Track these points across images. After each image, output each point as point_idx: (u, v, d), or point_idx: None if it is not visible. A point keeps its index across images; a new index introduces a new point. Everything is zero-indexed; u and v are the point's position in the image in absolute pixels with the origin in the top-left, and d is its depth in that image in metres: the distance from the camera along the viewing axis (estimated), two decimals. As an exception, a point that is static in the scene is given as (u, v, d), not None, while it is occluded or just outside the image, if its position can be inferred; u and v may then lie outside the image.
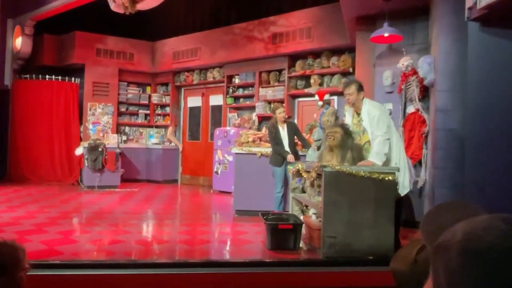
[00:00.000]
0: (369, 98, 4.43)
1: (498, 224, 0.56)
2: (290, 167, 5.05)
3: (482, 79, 3.54)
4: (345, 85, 4.16)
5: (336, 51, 7.66)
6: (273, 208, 5.36)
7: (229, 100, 9.35)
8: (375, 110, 3.91)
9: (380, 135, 3.82)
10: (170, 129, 10.25)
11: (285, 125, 5.64)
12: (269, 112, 8.63)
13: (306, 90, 7.94)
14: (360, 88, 4.00)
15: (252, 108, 8.93)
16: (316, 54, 7.95)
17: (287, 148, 5.53)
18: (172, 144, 10.27)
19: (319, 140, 5.44)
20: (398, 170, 3.79)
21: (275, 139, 5.58)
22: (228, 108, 9.45)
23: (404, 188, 3.98)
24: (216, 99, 9.86)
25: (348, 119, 4.21)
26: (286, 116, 5.72)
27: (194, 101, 10.44)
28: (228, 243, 4.64)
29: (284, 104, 6.06)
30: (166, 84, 10.74)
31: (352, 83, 4.07)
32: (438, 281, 0.58)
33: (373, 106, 3.98)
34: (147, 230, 5.29)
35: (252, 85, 8.99)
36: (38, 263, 2.85)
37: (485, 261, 0.53)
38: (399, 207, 3.90)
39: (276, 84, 8.55)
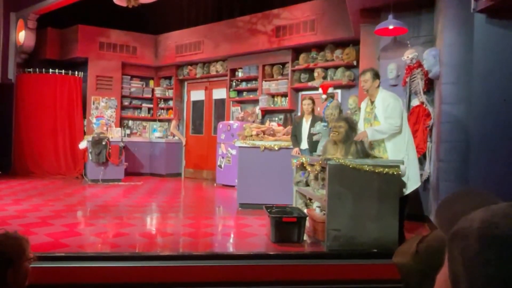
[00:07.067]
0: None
1: None
2: (293, 161, 5.04)
3: (488, 71, 3.51)
4: (362, 72, 4.24)
5: (340, 44, 7.62)
6: (278, 201, 5.26)
7: (232, 94, 9.33)
8: (390, 99, 3.98)
9: (393, 123, 3.89)
10: (173, 122, 10.24)
11: (310, 118, 5.56)
12: (272, 105, 8.63)
13: (309, 84, 7.91)
14: (376, 76, 4.08)
15: (255, 102, 8.91)
16: (320, 47, 7.91)
17: (304, 140, 5.48)
18: (176, 137, 10.28)
19: (319, 133, 5.37)
20: (403, 163, 3.77)
21: (293, 130, 5.64)
22: (231, 102, 9.44)
23: (414, 183, 3.97)
24: (219, 93, 9.85)
25: (363, 111, 4.26)
26: (311, 109, 5.60)
27: (197, 94, 10.43)
28: (232, 236, 4.64)
29: (310, 97, 5.83)
30: (169, 78, 10.72)
31: (368, 70, 4.14)
32: (454, 269, 0.57)
33: (388, 95, 4.05)
34: (151, 223, 5.31)
35: (255, 79, 8.96)
36: (43, 256, 2.87)
37: (504, 248, 0.52)
38: (404, 201, 3.90)
39: (280, 77, 8.52)
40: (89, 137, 8.65)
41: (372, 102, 4.13)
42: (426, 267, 1.01)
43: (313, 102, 5.61)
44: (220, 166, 8.55)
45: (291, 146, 5.85)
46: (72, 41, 9.77)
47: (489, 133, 3.50)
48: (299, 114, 8.45)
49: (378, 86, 4.08)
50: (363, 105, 4.31)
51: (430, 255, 1.01)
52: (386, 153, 3.98)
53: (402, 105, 4.10)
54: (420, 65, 5.10)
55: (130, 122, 10.70)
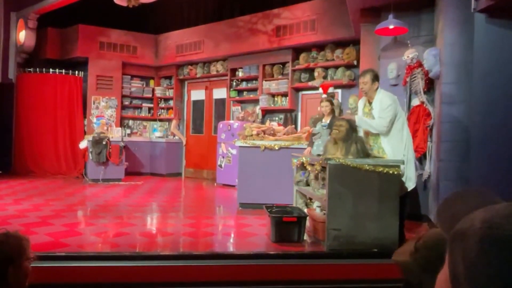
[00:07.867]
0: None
1: None
2: (294, 160, 5.04)
3: (488, 71, 3.52)
4: (361, 73, 4.23)
5: (341, 44, 7.62)
6: (279, 201, 5.24)
7: (233, 93, 9.33)
8: (388, 100, 3.94)
9: (382, 123, 3.88)
10: (174, 122, 10.26)
11: (329, 119, 5.51)
12: (272, 105, 8.63)
13: (310, 83, 7.91)
14: (375, 78, 4.05)
15: (255, 101, 8.91)
16: (320, 47, 7.90)
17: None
18: (176, 137, 10.28)
19: (318, 133, 5.36)
20: (403, 163, 3.77)
21: (313, 131, 5.63)
22: (231, 101, 9.44)
23: (412, 183, 3.98)
24: (220, 93, 9.85)
25: (360, 110, 4.23)
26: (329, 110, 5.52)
27: (198, 94, 10.43)
28: (232, 235, 4.65)
29: (325, 98, 5.68)
30: (170, 78, 10.73)
31: (368, 72, 4.09)
32: (455, 270, 0.57)
33: (386, 96, 4.01)
34: (152, 222, 5.31)
35: (255, 78, 8.96)
36: (44, 255, 2.88)
37: (505, 249, 0.52)
38: (404, 200, 3.90)
39: (280, 77, 8.52)
40: (89, 137, 8.66)
41: (370, 103, 4.12)
42: (425, 262, 1.02)
43: (331, 103, 5.56)
44: (220, 166, 8.55)
45: (292, 146, 5.85)
46: (73, 40, 9.77)
47: (489, 133, 3.50)
48: (299, 114, 8.47)
49: (377, 89, 4.06)
50: (360, 103, 4.31)
51: (427, 250, 1.02)
52: (385, 154, 3.98)
53: (399, 105, 4.10)
54: (420, 64, 5.10)
55: (131, 122, 10.70)
